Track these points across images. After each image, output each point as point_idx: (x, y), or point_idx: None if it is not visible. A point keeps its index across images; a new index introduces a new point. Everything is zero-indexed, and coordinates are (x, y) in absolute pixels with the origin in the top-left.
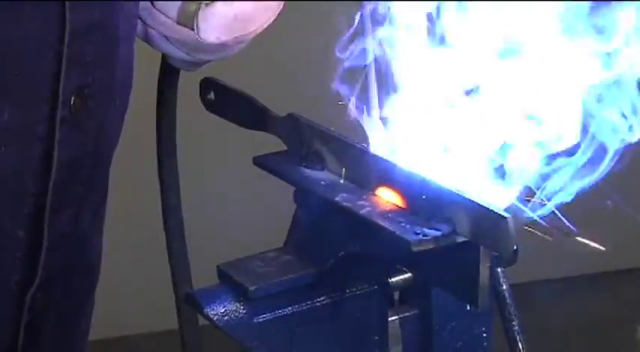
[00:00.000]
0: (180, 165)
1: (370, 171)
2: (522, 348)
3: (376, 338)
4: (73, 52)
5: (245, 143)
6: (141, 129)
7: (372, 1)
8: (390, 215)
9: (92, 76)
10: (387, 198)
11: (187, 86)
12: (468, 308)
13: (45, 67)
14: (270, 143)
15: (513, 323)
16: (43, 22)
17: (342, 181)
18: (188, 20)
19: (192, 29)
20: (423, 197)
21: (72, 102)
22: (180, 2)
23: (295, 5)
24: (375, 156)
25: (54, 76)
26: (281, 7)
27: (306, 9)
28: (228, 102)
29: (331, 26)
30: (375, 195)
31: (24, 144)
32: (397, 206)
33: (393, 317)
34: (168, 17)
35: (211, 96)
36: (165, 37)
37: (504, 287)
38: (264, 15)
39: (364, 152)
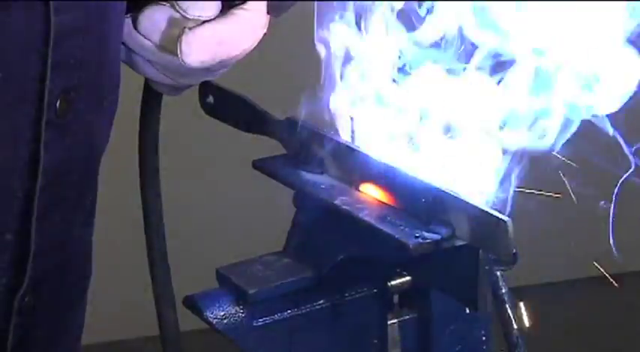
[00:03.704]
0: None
1: (369, 175)
2: None
3: (375, 341)
4: (58, 54)
5: (244, 146)
6: (135, 131)
7: (364, 1)
8: (389, 218)
9: (78, 78)
10: (387, 201)
11: (187, 90)
12: (467, 311)
13: (30, 69)
14: (269, 146)
15: (513, 326)
16: (27, 24)
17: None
18: (171, 45)
19: (176, 54)
20: (423, 200)
21: (57, 104)
22: (163, 27)
23: (295, 8)
24: (374, 160)
25: (39, 78)
26: (264, 30)
27: (306, 11)
28: (228, 106)
29: (331, 29)
30: (375, 199)
31: (10, 146)
32: (396, 209)
33: (393, 321)
34: (151, 42)
35: (210, 99)
36: (149, 61)
37: (504, 290)
38: (247, 40)
39: (364, 155)
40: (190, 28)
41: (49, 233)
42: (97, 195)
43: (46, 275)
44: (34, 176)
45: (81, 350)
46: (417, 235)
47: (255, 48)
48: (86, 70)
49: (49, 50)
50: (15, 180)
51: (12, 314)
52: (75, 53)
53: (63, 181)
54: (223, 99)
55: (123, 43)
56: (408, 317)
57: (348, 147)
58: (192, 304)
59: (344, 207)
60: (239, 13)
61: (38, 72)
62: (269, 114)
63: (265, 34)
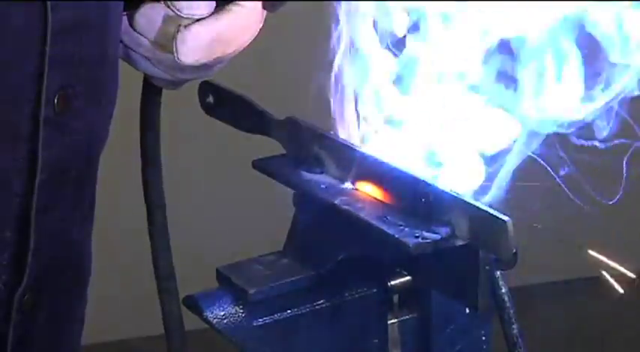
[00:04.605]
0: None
1: (369, 174)
2: None
3: (376, 341)
4: (55, 52)
5: (244, 146)
6: (133, 129)
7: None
8: (389, 218)
9: (76, 76)
10: (387, 200)
11: (186, 90)
12: (467, 311)
13: (28, 67)
14: (269, 146)
15: (513, 326)
16: (25, 22)
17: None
18: (167, 43)
19: (172, 52)
20: (422, 200)
21: (55, 101)
22: (158, 25)
23: (294, 8)
24: (374, 159)
25: (37, 76)
26: (260, 26)
27: (306, 11)
28: (227, 106)
29: (331, 29)
30: (375, 198)
31: (9, 144)
32: (396, 209)
33: (393, 321)
34: (148, 39)
35: (210, 99)
36: (146, 58)
37: (503, 290)
38: (242, 36)
39: (363, 155)
40: (185, 26)
41: (49, 230)
42: (99, 193)
43: (46, 272)
44: (33, 173)
45: (81, 349)
46: (417, 235)
47: (255, 48)
48: (84, 67)
49: (47, 47)
50: (14, 177)
51: (12, 312)
52: (73, 50)
53: (62, 178)
54: (223, 99)
55: (120, 41)
56: (408, 317)
57: (347, 146)
58: (193, 304)
59: (344, 206)
60: (234, 9)
61: (36, 69)
62: (269, 114)
63: (265, 34)
